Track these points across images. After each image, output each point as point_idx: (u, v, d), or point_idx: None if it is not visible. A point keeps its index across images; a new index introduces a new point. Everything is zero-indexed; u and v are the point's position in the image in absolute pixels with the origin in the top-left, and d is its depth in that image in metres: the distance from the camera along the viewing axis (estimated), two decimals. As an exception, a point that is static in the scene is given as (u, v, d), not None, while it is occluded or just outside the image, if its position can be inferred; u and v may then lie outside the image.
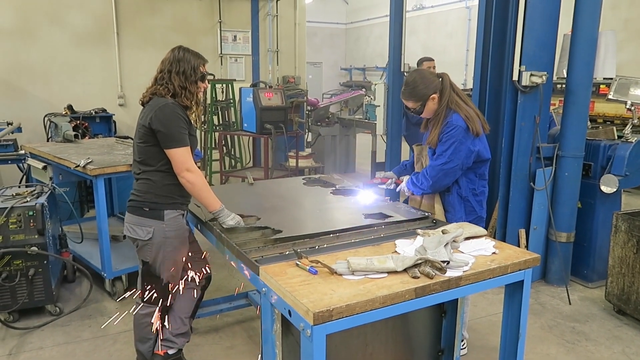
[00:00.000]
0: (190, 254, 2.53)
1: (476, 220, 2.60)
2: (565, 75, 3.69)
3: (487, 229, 4.04)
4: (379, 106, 5.42)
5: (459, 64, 13.51)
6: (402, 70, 5.12)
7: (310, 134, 8.44)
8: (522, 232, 3.78)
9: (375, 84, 5.90)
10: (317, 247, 2.02)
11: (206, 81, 2.38)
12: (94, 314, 3.32)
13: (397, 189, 2.81)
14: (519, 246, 3.74)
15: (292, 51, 8.22)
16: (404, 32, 5.07)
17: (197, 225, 2.52)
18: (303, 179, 3.35)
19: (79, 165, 3.32)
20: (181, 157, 2.23)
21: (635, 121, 3.76)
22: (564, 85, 3.71)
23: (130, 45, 7.08)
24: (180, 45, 2.39)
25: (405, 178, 2.77)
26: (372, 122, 7.00)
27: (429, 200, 2.69)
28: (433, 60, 5.27)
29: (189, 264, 2.54)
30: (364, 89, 9.48)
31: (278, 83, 7.94)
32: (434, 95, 2.56)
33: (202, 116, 6.76)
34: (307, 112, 8.06)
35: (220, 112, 6.91)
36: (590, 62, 3.56)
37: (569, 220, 3.73)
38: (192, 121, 2.35)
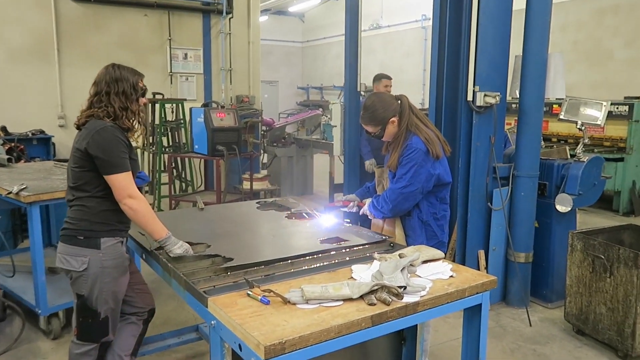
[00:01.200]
0: (131, 283, 2.45)
1: (438, 245, 2.64)
2: (518, 96, 3.87)
3: (447, 251, 4.14)
4: (336, 126, 5.49)
5: (416, 84, 13.94)
6: (358, 89, 5.22)
7: (265, 155, 8.43)
8: (482, 253, 3.87)
9: (333, 103, 5.97)
10: (270, 275, 2.00)
11: (145, 96, 2.35)
12: (26, 356, 3.13)
13: (360, 212, 2.83)
14: (478, 268, 3.83)
15: (246, 70, 8.25)
16: (360, 51, 5.20)
17: (142, 255, 2.45)
18: (257, 202, 3.34)
19: (11, 192, 3.17)
20: (122, 183, 2.17)
21: (587, 140, 3.96)
22: (518, 105, 3.87)
23: (72, 63, 6.91)
24: (113, 62, 2.33)
25: (368, 201, 2.79)
26: (330, 142, 7.08)
27: (390, 224, 2.72)
28: (391, 78, 5.41)
29: (129, 296, 2.45)
30: (321, 109, 9.57)
31: (231, 103, 7.92)
32: (393, 119, 2.61)
33: (150, 137, 6.64)
34: (262, 132, 8.07)
35: (169, 133, 6.81)
36: (541, 83, 3.74)
37: (526, 240, 3.86)
38: (136, 142, 2.30)
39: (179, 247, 2.22)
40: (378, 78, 5.35)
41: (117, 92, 2.23)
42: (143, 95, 2.30)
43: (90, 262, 2.22)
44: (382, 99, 2.65)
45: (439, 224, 2.68)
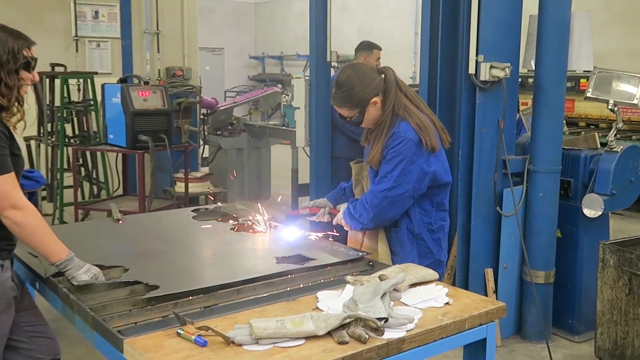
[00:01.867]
0: (22, 324, 2.40)
1: (434, 265, 2.65)
2: (534, 67, 3.95)
3: (444, 272, 4.19)
4: (299, 108, 5.49)
5: (406, 52, 14.07)
6: (328, 60, 5.24)
7: (206, 147, 8.37)
8: (489, 272, 3.95)
9: (296, 78, 6.00)
10: (209, 308, 2.00)
11: (34, 71, 2.29)
12: None
13: (333, 222, 2.85)
14: (485, 292, 3.90)
15: (179, 33, 8.17)
16: (330, 9, 5.21)
17: (34, 284, 2.41)
18: (193, 210, 3.34)
19: None
20: (2, 190, 2.13)
21: (621, 125, 4.06)
22: (534, 80, 3.96)
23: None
24: None
25: (343, 207, 2.80)
26: (292, 129, 7.08)
27: (372, 238, 2.74)
28: (380, 49, 5.43)
29: (20, 342, 2.40)
30: (280, 85, 9.57)
31: (159, 77, 7.83)
32: (375, 99, 2.61)
33: (48, 124, 6.51)
34: (201, 117, 8.00)
35: (75, 119, 6.68)
36: (562, 51, 3.83)
37: (546, 254, 3.95)
38: (15, 129, 2.24)
39: (84, 272, 2.19)
40: (365, 48, 5.36)
41: None
42: (27, 67, 2.25)
43: None
44: (361, 72, 2.66)
45: (435, 238, 2.70)
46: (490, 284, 3.93)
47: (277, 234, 2.83)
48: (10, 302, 2.28)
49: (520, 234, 3.90)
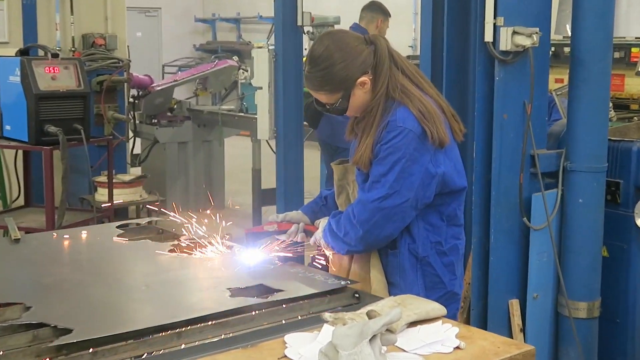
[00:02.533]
0: None
1: (445, 299, 2.67)
2: (570, 34, 3.99)
3: (460, 306, 4.21)
4: (262, 88, 5.49)
5: (403, 12, 14.14)
6: (299, 24, 5.25)
7: (138, 141, 8.34)
8: (515, 304, 3.97)
9: (258, 47, 5.97)
10: (139, 358, 1.99)
11: None
12: None
13: (311, 242, 2.86)
14: (510, 330, 3.92)
15: (98, -11, 8.15)
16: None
17: None
18: (119, 226, 3.34)
19: None
20: None
21: (682, 108, 4.14)
22: (570, 50, 3.99)
23: None
24: None
25: (323, 222, 2.82)
26: (252, 116, 7.08)
27: (361, 263, 2.75)
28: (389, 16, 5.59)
29: None
30: (236, 58, 9.55)
31: (73, 48, 7.78)
32: (363, 79, 2.63)
33: None
34: (131, 100, 7.98)
35: (-41, 105, 6.63)
36: (607, 11, 3.87)
37: (589, 280, 3.98)
38: None
39: None
40: (380, 10, 5.50)
41: None
42: None
43: None
44: (343, 42, 2.66)
45: (446, 262, 2.72)
46: (516, 320, 3.94)
47: (232, 258, 2.82)
48: None
49: (554, 253, 3.93)
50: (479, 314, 4.03)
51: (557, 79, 6.13)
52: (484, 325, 3.87)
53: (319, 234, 2.79)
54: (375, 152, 2.60)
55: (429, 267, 2.69)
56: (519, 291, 3.99)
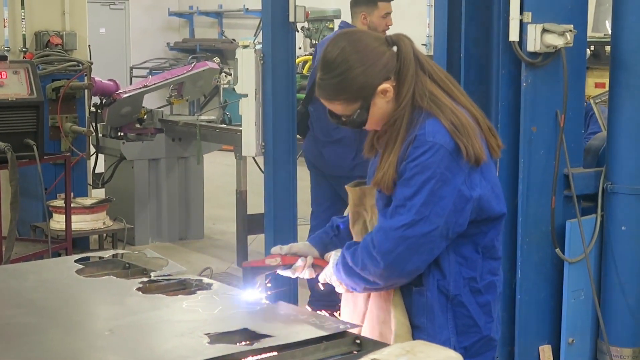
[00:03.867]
0: None
1: (481, 345, 2.72)
2: (610, 33, 4.02)
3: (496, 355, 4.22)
4: (247, 95, 5.52)
5: (416, 5, 14.23)
6: (292, 20, 5.28)
7: (101, 157, 8.35)
8: (547, 350, 3.98)
9: (243, 47, 6.01)
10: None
11: None
12: None
13: (320, 280, 2.87)
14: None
15: (55, -20, 8.19)
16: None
17: None
18: (78, 261, 3.33)
19: None
20: None
21: None
22: (610, 51, 4.02)
23: None
24: None
25: (334, 255, 2.81)
26: (236, 128, 7.10)
27: (381, 303, 2.76)
28: (390, 0, 5.54)
29: None
30: (217, 59, 9.58)
31: (24, 49, 7.82)
32: (385, 86, 2.64)
33: None
34: (93, 109, 8.00)
35: None
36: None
37: (634, 322, 3.99)
38: None
39: None
40: (364, 0, 5.46)
41: None
42: None
43: None
44: (361, 44, 2.68)
45: (481, 302, 2.71)
46: (549, 369, 3.96)
47: (210, 298, 2.83)
48: None
49: (593, 290, 3.94)
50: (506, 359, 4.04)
51: (598, 84, 6.13)
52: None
53: (329, 270, 2.78)
54: (400, 172, 2.60)
55: (462, 307, 2.68)
56: (552, 335, 3.99)
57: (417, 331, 2.68)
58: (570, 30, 3.79)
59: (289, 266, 2.87)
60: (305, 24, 5.72)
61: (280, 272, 2.89)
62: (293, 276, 2.90)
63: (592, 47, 5.42)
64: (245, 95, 5.52)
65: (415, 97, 2.63)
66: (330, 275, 2.78)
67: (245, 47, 5.85)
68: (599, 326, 3.95)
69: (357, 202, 2.88)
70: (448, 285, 2.66)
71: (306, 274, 2.87)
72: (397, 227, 2.56)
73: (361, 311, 2.79)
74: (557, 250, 3.94)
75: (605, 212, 3.98)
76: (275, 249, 2.94)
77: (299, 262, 2.86)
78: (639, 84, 3.92)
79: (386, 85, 2.64)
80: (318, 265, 2.87)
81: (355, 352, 2.41)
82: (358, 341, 2.46)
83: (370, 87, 2.63)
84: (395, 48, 2.67)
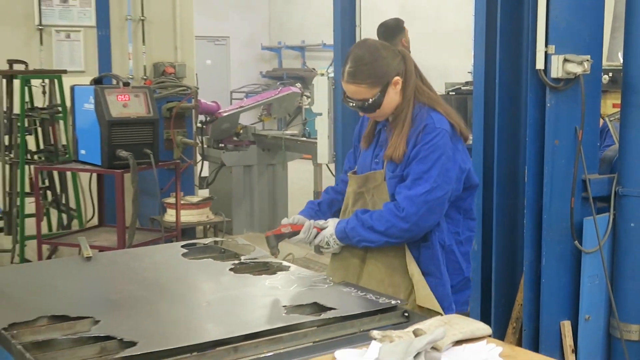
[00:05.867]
0: None
1: (463, 284, 2.94)
2: (622, 61, 3.96)
3: (509, 320, 4.19)
4: (321, 114, 5.57)
5: (462, 38, 14.08)
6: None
7: (205, 164, 8.48)
8: (567, 325, 3.93)
9: (320, 74, 6.06)
10: (198, 370, 2.04)
11: None
12: None
13: (317, 240, 2.97)
14: (562, 350, 3.88)
15: (169, 20, 8.31)
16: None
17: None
18: (184, 246, 3.39)
19: None
20: None
21: None
22: (622, 77, 3.96)
23: None
24: None
25: (332, 222, 2.95)
26: (313, 140, 7.15)
27: (393, 257, 2.89)
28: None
29: None
30: (299, 85, 9.64)
31: (145, 77, 7.96)
32: (397, 78, 2.83)
33: (5, 136, 6.64)
34: (199, 125, 8.12)
35: (39, 130, 6.82)
36: (659, 38, 3.84)
37: (640, 302, 3.93)
38: None
39: None
40: (400, 29, 5.51)
41: None
42: None
43: None
44: (381, 45, 2.90)
45: (463, 251, 2.95)
46: (568, 341, 3.91)
47: (287, 277, 2.87)
48: None
49: (606, 276, 3.89)
50: (531, 335, 4.00)
51: (615, 104, 6.03)
52: (535, 347, 3.85)
53: (329, 231, 2.92)
54: (414, 153, 2.78)
55: (452, 254, 2.90)
56: (571, 313, 3.95)
57: (429, 277, 2.86)
58: (588, 60, 3.75)
59: (297, 232, 2.99)
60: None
61: (291, 239, 3.04)
62: (306, 239, 2.99)
63: (610, 74, 5.32)
64: (320, 114, 5.59)
65: (416, 93, 2.86)
66: (329, 235, 2.92)
67: (321, 75, 5.91)
68: (611, 306, 3.90)
69: (360, 185, 3.00)
70: (444, 238, 2.88)
71: (313, 233, 2.97)
72: (420, 194, 2.75)
73: (356, 273, 2.95)
74: (576, 242, 3.89)
75: (616, 211, 3.93)
76: (285, 220, 3.10)
77: (307, 225, 2.99)
78: (646, 104, 3.88)
79: (398, 78, 2.83)
80: (314, 229, 2.98)
81: (404, 323, 2.43)
82: (406, 314, 2.49)
83: (389, 75, 2.82)
84: (401, 56, 2.90)
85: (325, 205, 3.18)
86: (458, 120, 2.86)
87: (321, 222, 2.98)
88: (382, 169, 2.91)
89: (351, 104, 2.87)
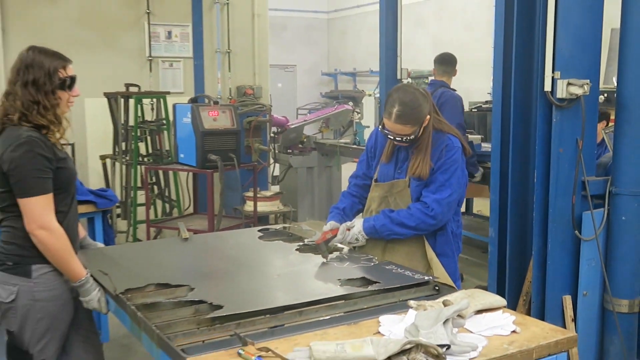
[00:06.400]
0: (75, 327, 2.55)
1: (454, 262, 3.09)
2: (616, 84, 3.86)
3: (520, 294, 4.12)
4: (369, 127, 5.56)
5: (483, 65, 13.90)
6: (398, 77, 5.27)
7: (277, 165, 8.54)
8: (568, 299, 3.85)
9: (368, 95, 6.06)
10: (271, 329, 2.06)
11: (73, 87, 2.46)
12: None
13: (347, 238, 2.96)
14: (563, 320, 3.81)
15: (249, 51, 8.38)
16: (400, 22, 5.24)
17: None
18: (259, 230, 3.43)
19: None
20: (34, 210, 2.32)
21: None
22: (615, 97, 3.86)
23: (20, 45, 7.14)
24: (32, 45, 2.46)
25: (358, 222, 2.97)
26: (363, 147, 7.12)
27: (410, 246, 2.94)
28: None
29: (69, 343, 2.56)
30: (351, 103, 9.65)
31: (230, 96, 8.05)
32: (428, 117, 2.91)
33: (123, 143, 6.80)
34: (272, 135, 8.18)
35: (149, 138, 6.96)
36: (646, 66, 3.73)
37: (630, 281, 3.82)
38: (58, 143, 2.42)
39: (95, 295, 2.39)
40: (450, 61, 5.48)
41: (26, 81, 2.35)
42: (63, 87, 2.41)
43: (19, 293, 2.37)
44: (420, 93, 2.95)
45: (457, 234, 3.11)
46: (569, 312, 3.82)
47: (341, 257, 2.88)
48: (66, 301, 2.48)
49: (601, 259, 3.80)
50: (538, 307, 3.93)
51: (613, 120, 5.91)
52: (542, 316, 3.77)
53: (357, 229, 2.93)
54: (438, 166, 2.89)
55: (456, 239, 3.07)
56: (572, 289, 3.87)
57: (443, 257, 2.96)
58: (587, 84, 3.67)
59: (335, 235, 2.95)
60: (409, 80, 5.69)
61: (334, 241, 2.95)
62: (345, 239, 2.96)
63: (605, 94, 5.19)
64: (368, 126, 5.58)
65: (434, 123, 2.95)
66: (358, 232, 2.92)
67: (369, 95, 5.90)
68: (605, 284, 3.81)
69: (386, 191, 3.05)
70: (453, 226, 3.04)
71: (349, 234, 2.96)
72: (444, 198, 2.88)
73: (380, 251, 2.97)
74: (576, 232, 3.81)
75: (610, 207, 3.83)
76: (326, 227, 3.05)
77: (342, 228, 2.97)
78: (635, 118, 3.77)
79: (428, 117, 2.91)
80: (347, 230, 2.98)
81: (434, 295, 2.41)
82: (437, 287, 2.47)
83: (424, 117, 2.89)
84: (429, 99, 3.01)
85: (348, 209, 3.20)
86: (463, 140, 3.02)
87: (349, 224, 3.00)
88: (405, 177, 2.98)
89: (390, 137, 2.90)
